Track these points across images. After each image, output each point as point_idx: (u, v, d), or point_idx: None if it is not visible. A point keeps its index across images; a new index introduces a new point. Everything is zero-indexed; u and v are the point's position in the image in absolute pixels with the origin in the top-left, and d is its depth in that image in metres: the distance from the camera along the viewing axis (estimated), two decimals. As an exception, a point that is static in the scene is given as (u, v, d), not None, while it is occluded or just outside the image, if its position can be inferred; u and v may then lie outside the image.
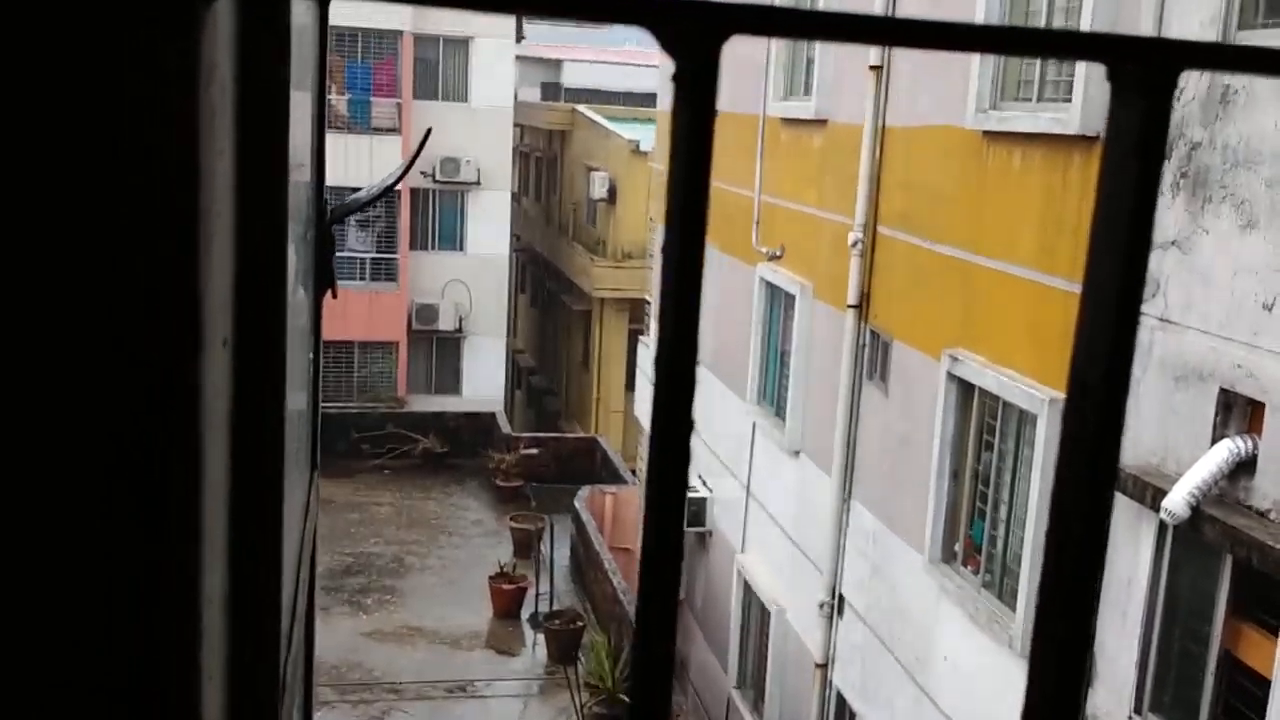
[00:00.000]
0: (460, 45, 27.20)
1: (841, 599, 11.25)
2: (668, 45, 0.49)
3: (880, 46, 0.56)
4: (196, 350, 0.49)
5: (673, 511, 0.51)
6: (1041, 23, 8.36)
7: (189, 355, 0.48)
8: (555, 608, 18.05)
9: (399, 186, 25.95)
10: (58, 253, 0.48)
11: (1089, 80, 7.49)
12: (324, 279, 1.72)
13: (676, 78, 0.50)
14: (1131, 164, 0.53)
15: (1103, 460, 0.56)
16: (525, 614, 18.40)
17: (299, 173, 1.49)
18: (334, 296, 1.80)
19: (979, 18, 8.78)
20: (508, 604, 18.36)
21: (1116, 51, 0.54)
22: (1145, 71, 0.53)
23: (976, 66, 8.86)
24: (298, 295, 1.45)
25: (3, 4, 0.46)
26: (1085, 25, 7.54)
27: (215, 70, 0.50)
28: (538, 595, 18.33)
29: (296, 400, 1.50)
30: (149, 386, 0.48)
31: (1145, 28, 6.94)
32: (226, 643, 0.72)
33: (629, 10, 0.50)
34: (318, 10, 1.72)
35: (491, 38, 27.19)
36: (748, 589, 13.59)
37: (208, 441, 0.56)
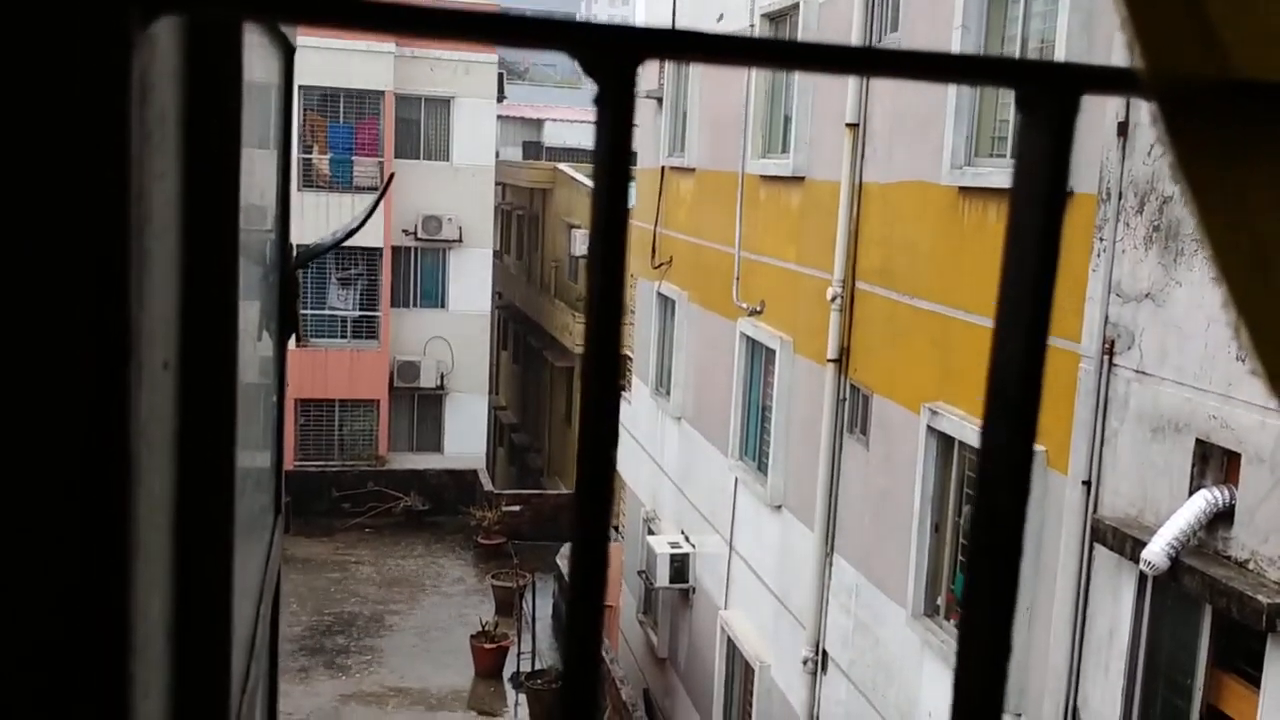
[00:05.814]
0: (442, 105, 27.44)
1: (825, 655, 11.18)
2: (588, 68, 0.52)
3: (790, 70, 0.58)
4: (125, 370, 0.50)
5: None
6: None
7: (117, 375, 0.49)
8: (538, 667, 17.88)
9: (382, 245, 26.04)
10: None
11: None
12: (288, 324, 1.73)
13: (598, 99, 0.52)
14: (1040, 184, 0.55)
15: (1019, 474, 0.57)
16: (508, 673, 18.21)
17: (262, 218, 1.51)
18: (299, 343, 1.81)
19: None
20: (490, 663, 18.18)
21: (1021, 75, 0.56)
22: (1051, 94, 0.56)
23: (951, 123, 8.98)
24: (262, 339, 1.46)
25: None
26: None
27: (151, 92, 0.52)
28: (520, 654, 18.15)
29: (256, 432, 1.50)
30: (77, 404, 0.49)
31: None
32: (169, 663, 0.72)
33: (549, 34, 0.53)
34: (282, 63, 1.75)
35: (473, 98, 27.45)
36: (731, 645, 13.49)
37: (145, 461, 0.57)
